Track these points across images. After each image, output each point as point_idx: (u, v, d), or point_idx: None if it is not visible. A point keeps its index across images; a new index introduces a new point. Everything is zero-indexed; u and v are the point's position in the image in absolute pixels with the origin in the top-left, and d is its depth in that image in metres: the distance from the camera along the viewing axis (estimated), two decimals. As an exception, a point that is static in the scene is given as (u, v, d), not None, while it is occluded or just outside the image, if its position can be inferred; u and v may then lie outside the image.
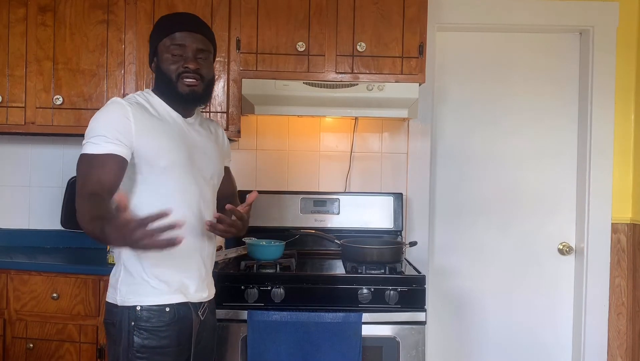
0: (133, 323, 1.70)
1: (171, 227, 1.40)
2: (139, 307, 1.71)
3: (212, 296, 1.90)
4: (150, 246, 1.40)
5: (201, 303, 1.83)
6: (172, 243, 1.40)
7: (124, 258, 1.73)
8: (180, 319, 1.75)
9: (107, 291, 1.79)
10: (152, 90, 1.85)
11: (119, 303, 1.72)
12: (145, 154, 1.70)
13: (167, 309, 1.72)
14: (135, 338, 1.69)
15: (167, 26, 1.80)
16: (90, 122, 1.71)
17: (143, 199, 1.71)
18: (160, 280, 1.72)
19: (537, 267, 3.08)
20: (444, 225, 3.09)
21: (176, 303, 1.74)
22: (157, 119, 1.76)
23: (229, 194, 2.05)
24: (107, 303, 1.77)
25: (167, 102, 1.81)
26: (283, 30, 2.61)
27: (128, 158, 1.68)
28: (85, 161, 1.65)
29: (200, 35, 1.80)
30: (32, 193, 3.00)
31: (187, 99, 1.79)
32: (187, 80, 1.76)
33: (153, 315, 1.71)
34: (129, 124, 1.67)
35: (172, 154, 1.74)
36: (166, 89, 1.79)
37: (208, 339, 1.89)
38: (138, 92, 1.84)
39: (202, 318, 1.83)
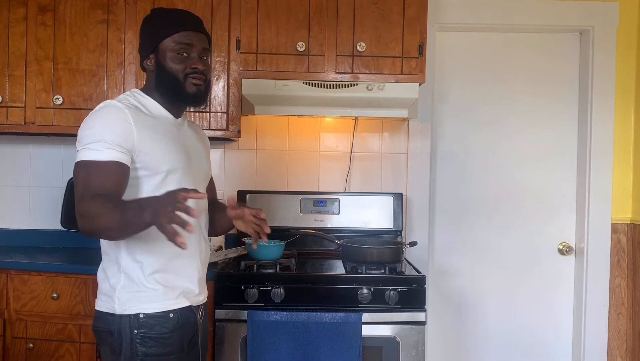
0: (136, 332, 1.64)
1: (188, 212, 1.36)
2: (142, 315, 1.65)
3: (206, 297, 1.88)
4: (166, 224, 1.34)
5: (199, 305, 1.81)
6: (181, 244, 1.35)
7: (124, 265, 1.66)
8: (184, 324, 1.72)
9: (96, 298, 1.72)
10: (141, 90, 1.79)
11: (118, 312, 1.65)
12: (147, 159, 1.64)
13: (171, 315, 1.68)
14: (139, 347, 1.64)
15: (171, 24, 1.74)
16: (83, 127, 1.62)
17: None
18: (163, 285, 1.68)
19: (537, 267, 3.08)
20: (444, 225, 3.09)
21: (179, 308, 1.71)
22: (154, 122, 1.71)
23: (211, 200, 1.97)
24: (100, 311, 1.69)
25: (161, 102, 1.76)
26: (283, 30, 2.61)
27: (130, 165, 1.61)
28: (84, 167, 1.57)
29: (203, 35, 1.78)
30: (32, 193, 3.00)
31: (193, 98, 1.76)
32: (195, 80, 1.73)
33: (157, 322, 1.66)
34: (130, 128, 1.61)
35: (173, 157, 1.70)
36: (169, 88, 1.74)
37: (203, 340, 1.87)
38: (127, 93, 1.77)
39: (200, 321, 1.81)
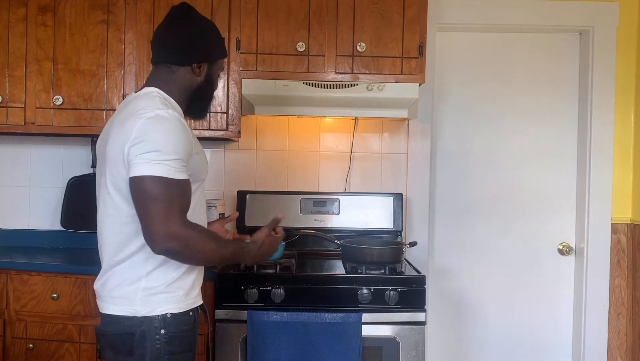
0: (163, 331, 1.65)
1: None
2: (169, 314, 1.66)
3: None
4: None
5: None
6: None
7: (149, 269, 1.65)
8: (197, 321, 1.77)
9: (105, 303, 1.70)
10: (163, 90, 1.73)
11: (141, 314, 1.64)
12: (194, 167, 1.68)
13: (190, 313, 1.72)
14: (166, 346, 1.65)
15: (224, 46, 1.90)
16: (154, 135, 1.56)
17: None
18: (184, 286, 1.70)
19: (537, 267, 3.08)
20: (444, 225, 3.08)
21: (195, 307, 1.75)
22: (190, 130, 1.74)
23: None
24: (113, 316, 1.68)
25: (181, 106, 1.78)
26: (283, 30, 2.61)
27: None
28: (164, 184, 1.55)
29: None
30: (32, 193, 3.00)
31: (205, 114, 1.92)
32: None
33: (180, 321, 1.69)
34: (190, 141, 1.65)
35: (205, 166, 1.79)
36: (204, 100, 1.84)
37: None
38: (154, 95, 1.70)
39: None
